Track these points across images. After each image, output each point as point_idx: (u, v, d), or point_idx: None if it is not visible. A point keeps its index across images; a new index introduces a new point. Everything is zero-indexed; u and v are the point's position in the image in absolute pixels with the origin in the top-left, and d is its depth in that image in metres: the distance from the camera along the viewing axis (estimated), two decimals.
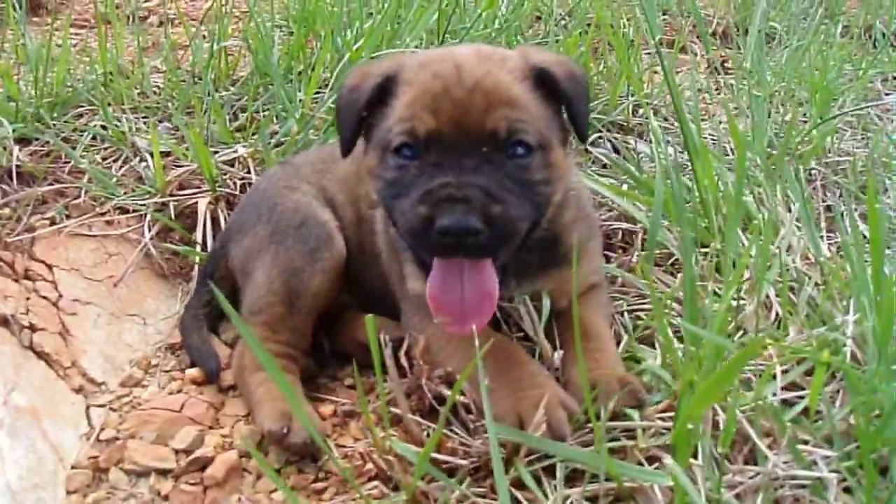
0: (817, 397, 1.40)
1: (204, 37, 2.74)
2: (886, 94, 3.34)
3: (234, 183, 2.17)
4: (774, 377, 1.43)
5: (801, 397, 1.44)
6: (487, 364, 1.34)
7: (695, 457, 1.23)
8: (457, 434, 1.37)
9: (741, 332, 1.57)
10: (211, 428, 1.54)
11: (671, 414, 1.36)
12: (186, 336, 1.75)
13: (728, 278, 1.60)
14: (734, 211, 1.55)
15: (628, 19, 3.30)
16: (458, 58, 1.38)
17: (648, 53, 3.15)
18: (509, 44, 2.68)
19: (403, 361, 1.53)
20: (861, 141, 2.73)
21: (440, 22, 2.47)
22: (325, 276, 1.64)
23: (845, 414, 1.35)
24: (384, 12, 2.53)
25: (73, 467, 1.49)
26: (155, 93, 2.59)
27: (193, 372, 1.69)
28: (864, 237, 1.77)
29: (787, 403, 1.43)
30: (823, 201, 2.23)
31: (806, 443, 1.34)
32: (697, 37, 3.83)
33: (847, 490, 1.23)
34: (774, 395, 1.39)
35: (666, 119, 2.69)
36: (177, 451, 1.49)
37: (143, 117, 2.44)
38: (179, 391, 1.66)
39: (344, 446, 1.49)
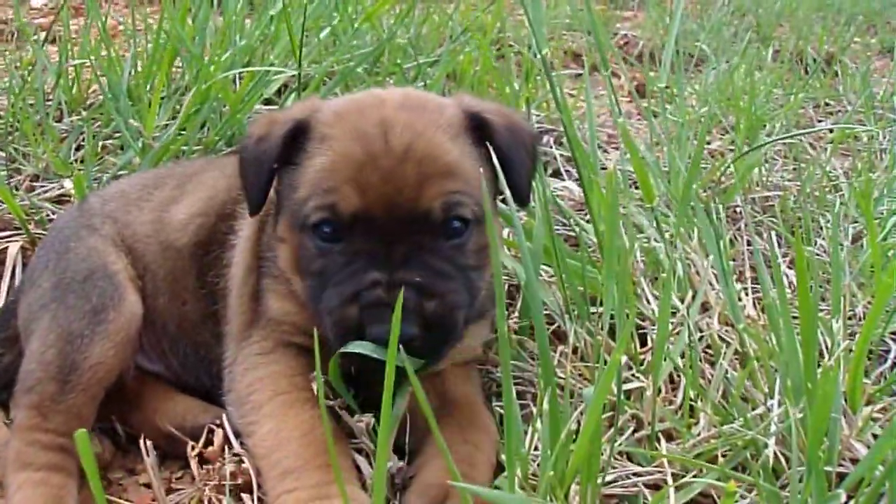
0: None
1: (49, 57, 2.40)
2: (819, 121, 3.15)
3: None
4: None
5: None
6: (294, 448, 1.14)
7: None
8: None
9: (631, 427, 1.26)
10: None
11: None
12: None
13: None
14: (611, 255, 1.26)
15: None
16: (383, 111, 1.15)
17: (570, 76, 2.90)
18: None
19: (208, 454, 1.21)
20: (792, 173, 2.48)
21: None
22: (110, 343, 1.31)
23: None
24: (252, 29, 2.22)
25: None
26: None
27: None
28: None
29: None
30: (748, 246, 1.94)
31: None
32: (624, 59, 3.61)
33: None
34: None
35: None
36: None
37: None
38: None
39: None
